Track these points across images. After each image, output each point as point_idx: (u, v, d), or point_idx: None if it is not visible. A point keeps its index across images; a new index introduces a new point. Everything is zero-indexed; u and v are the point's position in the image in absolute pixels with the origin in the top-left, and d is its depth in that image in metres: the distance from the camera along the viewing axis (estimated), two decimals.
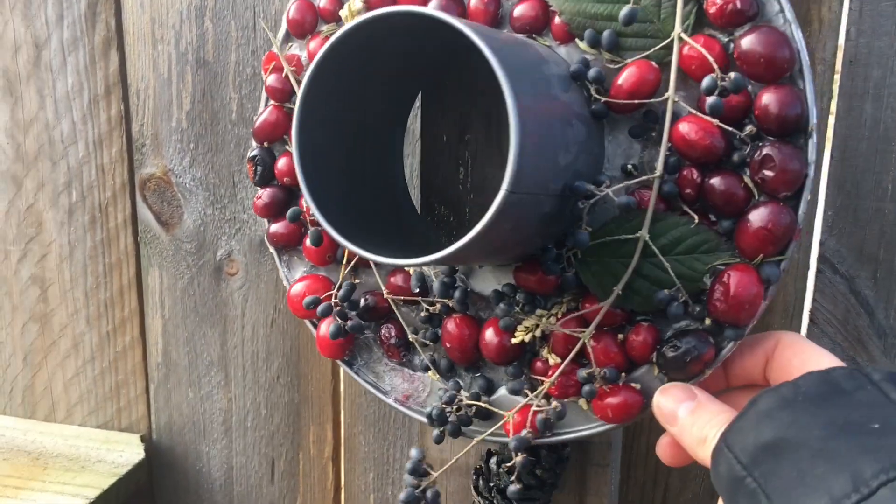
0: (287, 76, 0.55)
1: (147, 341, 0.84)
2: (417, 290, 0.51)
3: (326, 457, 0.82)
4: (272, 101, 0.55)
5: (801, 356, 0.47)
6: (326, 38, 0.53)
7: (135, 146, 0.79)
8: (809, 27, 0.63)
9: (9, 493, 0.76)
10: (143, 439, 0.85)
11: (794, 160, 0.44)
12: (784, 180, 0.44)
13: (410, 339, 0.52)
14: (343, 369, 0.76)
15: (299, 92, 0.44)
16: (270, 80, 0.54)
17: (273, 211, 0.55)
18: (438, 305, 0.50)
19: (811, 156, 0.45)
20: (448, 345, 0.51)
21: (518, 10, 0.49)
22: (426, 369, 0.53)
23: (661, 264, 0.45)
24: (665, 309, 0.45)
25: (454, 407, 0.49)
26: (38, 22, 0.77)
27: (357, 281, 0.53)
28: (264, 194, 0.56)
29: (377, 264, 0.52)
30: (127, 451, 0.83)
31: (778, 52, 0.44)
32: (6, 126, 0.81)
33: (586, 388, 0.46)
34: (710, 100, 0.43)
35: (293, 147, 0.44)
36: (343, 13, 0.52)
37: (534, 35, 0.49)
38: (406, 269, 0.52)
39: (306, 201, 0.43)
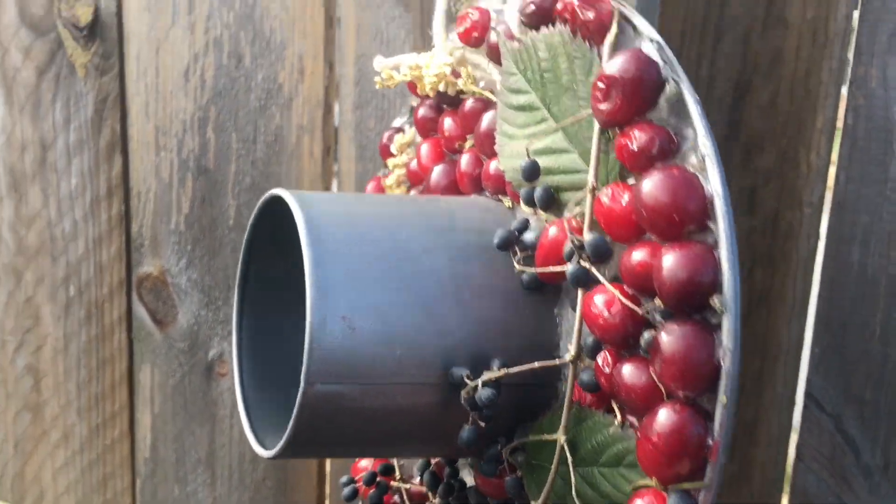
0: None
1: (136, 436, 0.84)
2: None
3: None
4: None
5: None
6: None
7: (133, 246, 0.80)
8: (797, 170, 0.64)
9: None
10: None
11: (693, 347, 0.34)
12: (675, 374, 0.34)
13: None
14: (329, 479, 0.77)
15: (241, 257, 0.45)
16: None
17: None
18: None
19: (727, 341, 0.34)
20: None
21: (488, 170, 0.48)
22: None
23: (589, 476, 0.39)
24: None
25: None
26: (45, 124, 0.79)
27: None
28: None
29: None
30: None
31: (674, 200, 0.35)
32: (10, 221, 0.82)
33: None
34: (570, 270, 0.38)
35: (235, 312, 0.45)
36: (386, 184, 0.54)
37: (499, 196, 0.48)
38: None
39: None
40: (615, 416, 0.39)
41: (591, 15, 0.40)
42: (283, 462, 0.80)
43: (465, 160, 0.49)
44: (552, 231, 0.41)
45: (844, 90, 0.62)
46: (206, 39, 0.74)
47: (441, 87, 0.49)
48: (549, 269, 0.41)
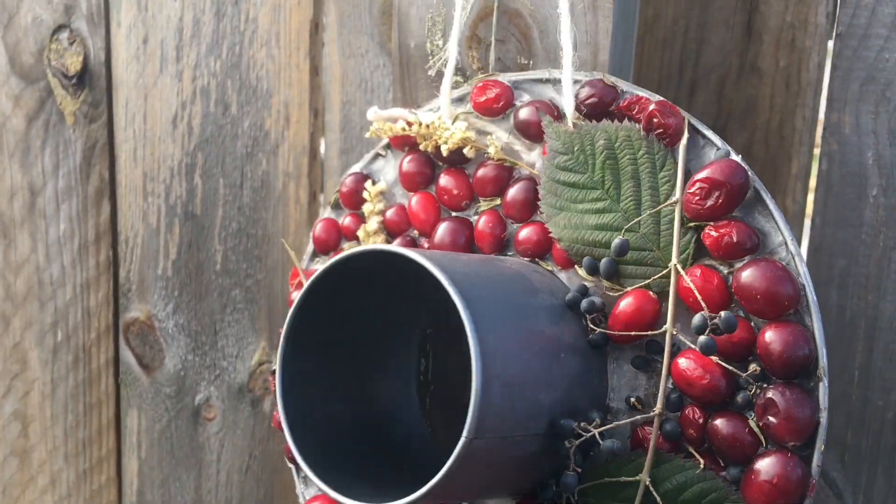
0: None
1: (123, 481, 0.84)
2: None
3: None
4: None
5: None
6: None
7: (121, 291, 0.81)
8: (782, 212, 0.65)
9: None
10: None
11: (802, 406, 0.43)
12: (790, 429, 0.42)
13: None
14: None
15: (287, 320, 0.46)
16: (295, 295, 0.56)
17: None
18: None
19: (822, 401, 0.43)
20: None
21: (522, 234, 0.50)
22: None
23: None
24: None
25: None
26: (34, 170, 0.80)
27: None
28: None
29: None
30: None
31: (779, 288, 0.43)
32: None
33: None
34: (702, 339, 0.43)
35: (278, 380, 0.46)
36: (360, 234, 0.54)
37: (536, 259, 0.50)
38: None
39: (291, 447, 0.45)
40: (699, 463, 0.45)
41: (671, 121, 0.47)
42: None
43: (484, 221, 0.51)
44: (632, 300, 0.46)
45: (818, 137, 0.63)
46: (193, 87, 0.75)
47: (466, 151, 0.51)
48: (632, 333, 0.46)
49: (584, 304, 0.47)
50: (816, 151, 0.64)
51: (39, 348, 0.83)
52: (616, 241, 0.47)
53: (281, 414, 0.46)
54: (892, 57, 0.60)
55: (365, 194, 0.57)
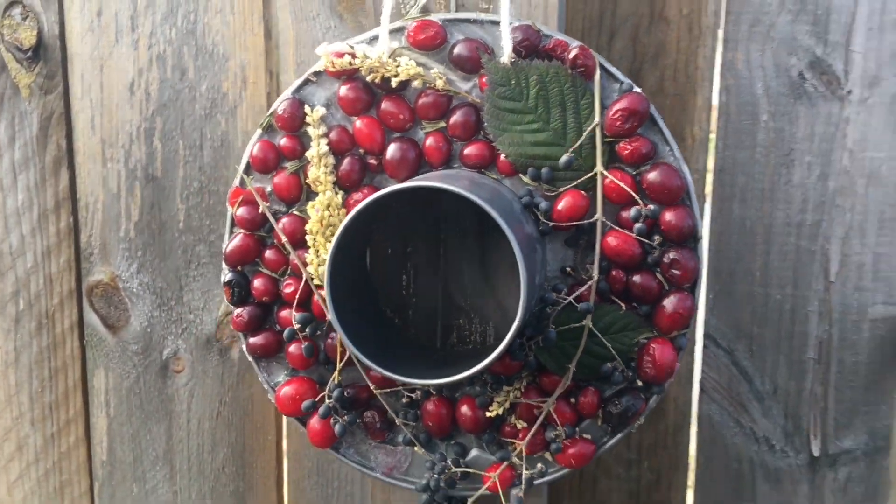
0: (258, 208, 0.62)
1: (92, 440, 0.88)
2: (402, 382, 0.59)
3: None
4: (241, 230, 0.63)
5: None
6: (293, 174, 0.61)
7: (83, 255, 0.84)
8: (684, 143, 0.76)
9: None
10: None
11: (692, 260, 0.59)
12: (686, 276, 0.59)
13: (397, 422, 0.60)
14: (287, 457, 0.83)
15: (337, 234, 0.52)
16: (241, 211, 0.62)
17: (252, 326, 0.63)
18: (419, 392, 0.58)
19: (704, 258, 0.59)
20: (429, 422, 0.60)
21: (468, 150, 0.59)
22: (409, 444, 0.61)
23: (602, 343, 0.57)
24: (609, 377, 0.58)
25: (443, 474, 0.58)
26: None
27: (339, 378, 0.61)
28: (244, 312, 0.63)
29: (359, 361, 0.59)
30: None
31: (674, 182, 0.58)
32: None
33: (553, 445, 0.57)
34: (637, 226, 0.57)
35: (326, 284, 0.52)
36: (310, 154, 0.61)
37: (483, 170, 0.59)
38: None
39: (342, 339, 0.52)
40: (621, 307, 0.60)
41: (589, 62, 0.60)
42: (241, 446, 0.85)
43: (432, 140, 0.59)
44: (572, 198, 0.59)
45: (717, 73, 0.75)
46: (149, 55, 0.80)
47: (414, 83, 0.59)
48: (573, 223, 0.59)
49: (542, 204, 0.57)
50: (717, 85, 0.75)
51: (1, 317, 0.86)
52: (564, 157, 0.57)
53: (330, 307, 0.52)
54: (774, 2, 0.72)
55: (308, 119, 0.63)
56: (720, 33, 0.74)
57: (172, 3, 0.79)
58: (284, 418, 0.85)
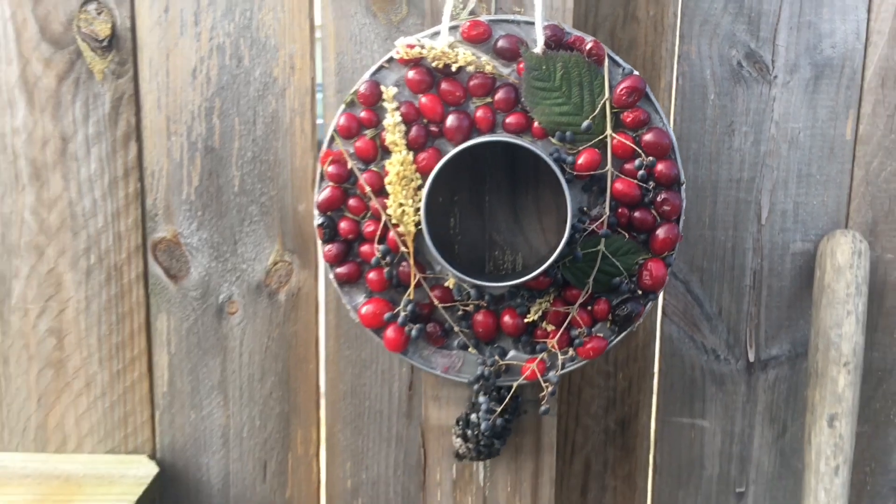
0: (347, 164, 0.79)
1: (154, 375, 1.02)
2: (459, 297, 0.77)
3: (311, 454, 1.04)
4: (331, 183, 0.79)
5: None
6: (371, 139, 0.78)
7: (148, 216, 0.99)
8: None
9: None
10: (151, 457, 1.03)
11: (678, 199, 0.77)
12: (675, 211, 0.77)
13: (456, 329, 0.78)
14: (325, 378, 1.00)
15: (429, 178, 0.70)
16: (331, 168, 0.78)
17: (339, 259, 0.79)
18: (472, 305, 0.77)
19: (682, 196, 0.78)
20: (479, 329, 0.78)
21: (510, 119, 0.77)
22: (463, 347, 0.79)
23: (613, 263, 0.76)
24: (617, 288, 0.76)
25: (493, 367, 0.76)
26: (65, 121, 0.96)
27: (413, 296, 0.78)
28: (332, 247, 0.79)
29: (426, 283, 0.77)
30: (143, 468, 1.00)
31: (665, 141, 0.76)
32: (31, 205, 0.98)
33: (577, 341, 0.75)
34: (640, 173, 0.76)
35: (423, 214, 0.70)
36: (387, 122, 0.77)
37: (520, 134, 0.77)
38: (446, 284, 0.78)
39: (435, 256, 0.70)
40: (625, 236, 0.78)
41: (600, 53, 0.77)
42: (286, 375, 1.01)
43: (482, 112, 0.77)
44: (589, 154, 0.77)
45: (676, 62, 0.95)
46: (210, 46, 0.95)
47: (469, 68, 0.77)
48: (590, 172, 0.78)
49: (569, 159, 0.76)
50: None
51: (73, 271, 1.00)
52: (585, 123, 0.75)
53: (425, 228, 0.71)
54: (717, 6, 0.93)
55: (384, 95, 0.80)
56: (678, 30, 0.94)
57: (231, 1, 0.94)
58: (322, 351, 1.02)
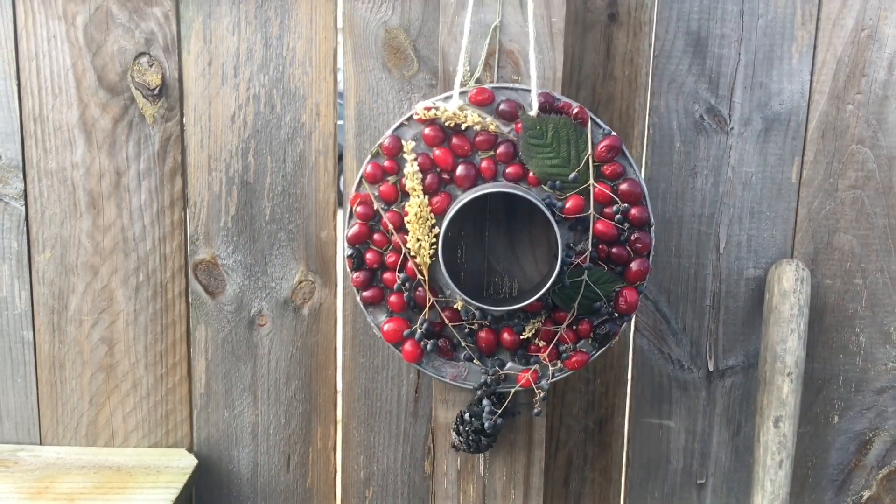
0: (372, 205, 0.94)
1: (192, 378, 1.17)
2: (466, 318, 0.93)
3: (329, 448, 1.19)
4: (359, 220, 0.94)
5: None
6: (393, 184, 0.94)
7: (190, 240, 1.14)
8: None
9: (117, 491, 1.06)
10: (189, 450, 1.18)
11: (648, 238, 0.92)
12: (646, 248, 0.92)
13: (463, 344, 0.94)
14: (342, 382, 1.15)
15: (444, 222, 0.86)
16: (359, 208, 0.94)
17: (365, 284, 0.95)
18: (476, 324, 0.92)
19: (653, 236, 0.93)
20: (482, 345, 0.93)
21: (509, 170, 0.92)
22: (468, 359, 0.94)
23: (594, 290, 0.91)
24: (597, 311, 0.91)
25: (494, 376, 0.92)
26: (119, 157, 1.11)
27: (428, 316, 0.94)
28: (360, 275, 0.94)
29: (438, 305, 0.93)
30: (184, 460, 1.15)
31: (637, 190, 0.91)
32: (88, 230, 1.13)
33: (563, 355, 0.90)
34: (617, 217, 0.91)
35: (440, 249, 0.86)
36: (407, 170, 0.93)
37: (517, 182, 0.92)
38: (454, 307, 0.93)
39: (448, 283, 0.86)
40: (604, 268, 0.90)
41: (585, 116, 0.92)
42: (308, 379, 1.17)
43: (486, 163, 0.92)
44: (575, 200, 0.92)
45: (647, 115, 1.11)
46: (247, 95, 1.10)
47: (476, 127, 0.92)
48: (576, 215, 0.92)
49: (558, 204, 0.91)
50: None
51: (124, 288, 1.14)
52: (572, 174, 0.91)
53: (441, 260, 0.86)
54: (682, 68, 1.09)
55: (404, 148, 0.95)
56: (649, 88, 1.10)
57: (266, 58, 1.09)
58: (340, 359, 1.17)
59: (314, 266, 1.14)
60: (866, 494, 1.19)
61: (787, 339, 1.07)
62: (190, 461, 1.15)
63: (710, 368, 1.16)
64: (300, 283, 1.15)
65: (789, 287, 1.07)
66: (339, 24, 1.08)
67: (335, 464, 1.20)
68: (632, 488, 1.20)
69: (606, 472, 1.21)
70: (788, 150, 1.10)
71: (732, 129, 1.10)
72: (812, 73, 1.08)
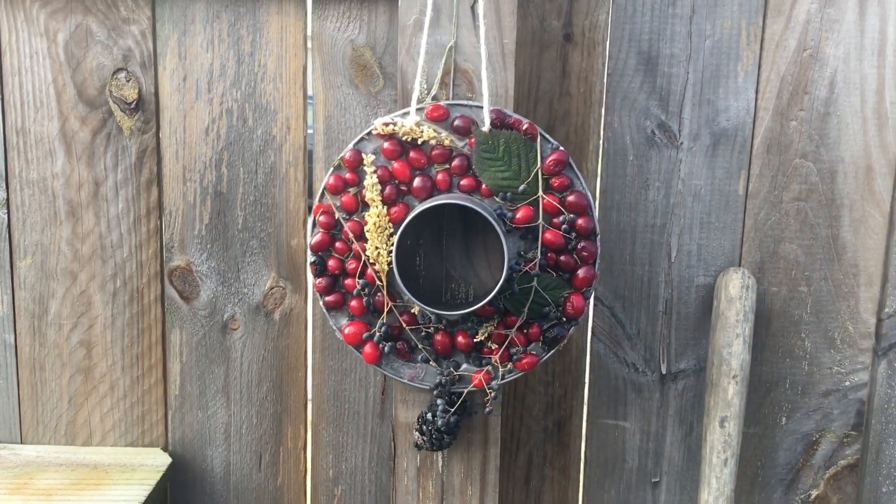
0: (334, 215, 0.99)
1: (168, 380, 1.22)
2: (423, 322, 0.98)
3: (300, 448, 1.24)
4: (321, 229, 1.00)
5: None
6: (354, 195, 0.99)
7: (166, 248, 1.19)
8: (583, 174, 1.17)
9: (93, 488, 1.11)
10: (164, 449, 1.22)
11: (594, 247, 0.97)
12: (591, 256, 0.97)
13: (419, 347, 0.99)
14: (311, 384, 1.20)
15: (399, 231, 0.91)
16: (322, 218, 0.99)
17: (327, 289, 1.00)
18: (432, 328, 0.97)
19: (599, 245, 0.98)
20: (438, 347, 0.99)
21: (463, 182, 0.97)
22: (425, 361, 0.99)
23: (543, 296, 0.96)
24: (547, 315, 0.96)
25: (448, 377, 0.97)
26: (98, 168, 1.16)
27: (386, 320, 0.99)
28: (322, 281, 1.00)
29: (396, 310, 0.98)
30: (158, 458, 1.20)
31: (584, 202, 0.96)
32: (67, 237, 1.18)
33: (514, 357, 0.96)
34: (564, 227, 0.96)
35: (394, 256, 0.91)
36: (366, 182, 0.98)
37: (471, 194, 0.98)
38: (412, 311, 0.99)
39: (403, 290, 0.90)
40: (553, 275, 0.95)
41: (534, 132, 0.96)
42: (279, 381, 1.22)
43: (442, 176, 0.98)
44: (525, 211, 0.97)
45: (602, 130, 1.17)
46: (220, 109, 1.15)
47: (431, 141, 0.97)
48: (526, 225, 0.96)
49: (509, 215, 0.96)
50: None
51: (102, 293, 1.19)
52: (522, 186, 0.96)
53: (395, 267, 0.91)
54: (634, 85, 1.14)
55: (364, 161, 1.01)
56: (603, 104, 1.16)
57: (238, 73, 1.14)
58: (310, 362, 1.22)
59: (285, 273, 1.19)
60: (814, 493, 1.24)
61: (732, 344, 1.12)
62: (164, 459, 1.19)
63: (664, 371, 1.22)
64: (271, 289, 1.20)
65: (735, 294, 1.13)
66: (309, 44, 1.14)
67: (305, 463, 1.25)
68: (589, 486, 1.26)
69: (565, 470, 1.26)
70: (735, 164, 1.16)
71: (682, 143, 1.15)
72: (757, 91, 1.14)
